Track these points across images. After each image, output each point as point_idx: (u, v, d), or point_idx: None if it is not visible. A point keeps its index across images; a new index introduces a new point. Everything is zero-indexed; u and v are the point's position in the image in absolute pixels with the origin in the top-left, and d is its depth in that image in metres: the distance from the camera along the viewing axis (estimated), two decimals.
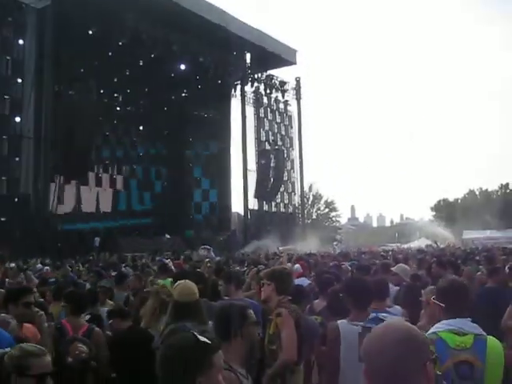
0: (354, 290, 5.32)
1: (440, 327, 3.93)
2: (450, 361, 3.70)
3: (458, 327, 3.86)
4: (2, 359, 3.07)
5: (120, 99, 42.64)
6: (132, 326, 6.03)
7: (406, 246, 41.69)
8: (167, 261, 14.26)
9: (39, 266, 15.67)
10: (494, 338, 3.84)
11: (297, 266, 11.73)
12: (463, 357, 3.72)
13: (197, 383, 2.36)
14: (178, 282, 5.51)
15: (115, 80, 38.44)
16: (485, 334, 3.86)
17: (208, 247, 24.59)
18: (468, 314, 3.97)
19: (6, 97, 30.57)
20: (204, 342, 2.41)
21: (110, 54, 34.96)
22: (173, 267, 12.16)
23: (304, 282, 9.15)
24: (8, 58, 30.66)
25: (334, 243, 37.84)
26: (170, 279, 10.10)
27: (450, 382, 3.60)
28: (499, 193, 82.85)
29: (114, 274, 11.23)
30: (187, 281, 5.53)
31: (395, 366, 1.97)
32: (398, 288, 8.08)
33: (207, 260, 13.66)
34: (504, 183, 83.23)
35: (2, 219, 29.29)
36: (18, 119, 30.77)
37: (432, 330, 3.94)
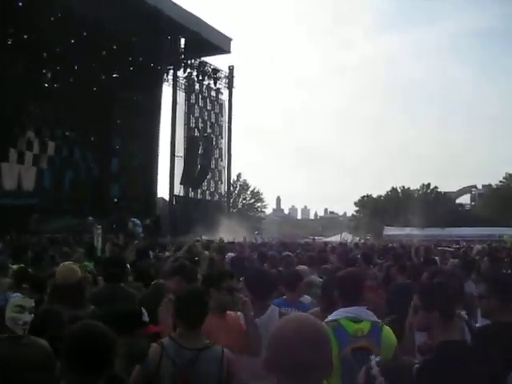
0: (254, 281, 5.44)
1: (338, 314, 4.11)
2: (349, 347, 3.90)
3: (355, 314, 4.06)
4: None
5: (48, 76, 41.53)
6: None
7: (328, 239, 42.35)
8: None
9: None
10: (388, 327, 4.10)
11: (230, 254, 11.86)
12: (361, 343, 3.92)
13: None
14: (61, 265, 5.48)
15: (44, 55, 37.37)
16: (380, 321, 4.10)
17: (136, 221, 24.16)
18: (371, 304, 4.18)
19: None
20: None
21: (40, 28, 34.02)
22: None
23: None
24: None
25: (256, 232, 38.06)
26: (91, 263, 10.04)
27: (350, 367, 3.76)
28: (420, 192, 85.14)
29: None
30: (70, 263, 5.51)
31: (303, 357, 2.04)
32: None
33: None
34: (426, 183, 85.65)
35: None
36: None
37: (331, 316, 4.11)
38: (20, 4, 30.84)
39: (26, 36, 34.01)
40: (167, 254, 12.88)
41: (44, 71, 40.49)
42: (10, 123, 33.28)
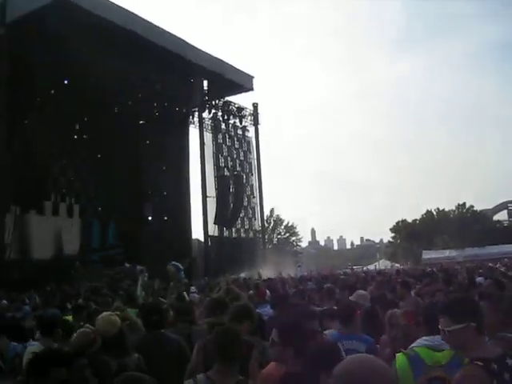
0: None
1: (418, 342, 4.06)
2: (423, 377, 3.80)
3: (436, 343, 3.97)
4: None
5: (77, 127, 42.32)
6: None
7: (365, 268, 41.99)
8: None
9: None
10: None
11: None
12: (436, 373, 3.82)
13: None
14: (102, 315, 5.52)
15: (72, 108, 38.09)
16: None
17: (178, 265, 24.03)
18: None
19: None
20: None
21: (65, 82, 34.76)
22: None
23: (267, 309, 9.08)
24: None
25: (298, 265, 37.65)
26: (135, 310, 10.05)
27: None
28: (456, 212, 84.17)
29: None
30: (109, 313, 5.56)
31: None
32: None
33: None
34: (461, 203, 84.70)
35: None
36: None
37: (412, 345, 4.06)
38: (46, 60, 31.50)
39: (52, 91, 34.77)
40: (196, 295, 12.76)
41: (72, 123, 41.27)
42: (43, 177, 33.82)
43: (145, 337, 6.38)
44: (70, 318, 8.72)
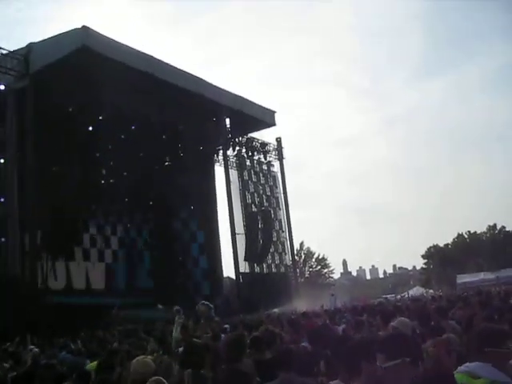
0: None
1: (459, 369, 4.01)
2: None
3: (473, 370, 3.91)
4: None
5: (104, 172, 42.82)
6: None
7: (399, 296, 41.43)
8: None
9: (31, 347, 15.19)
10: None
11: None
12: None
13: None
14: (136, 359, 5.48)
15: (97, 154, 38.57)
16: (504, 380, 3.88)
17: (209, 304, 23.94)
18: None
19: None
20: None
21: (90, 128, 35.26)
22: None
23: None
24: None
25: (331, 294, 37.05)
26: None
27: None
28: (488, 234, 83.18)
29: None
30: (143, 356, 5.52)
31: None
32: None
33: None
34: (491, 224, 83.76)
35: None
36: (1, 200, 30.74)
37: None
38: (70, 109, 32.11)
39: (77, 138, 35.30)
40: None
41: (99, 169, 41.76)
42: (73, 223, 34.13)
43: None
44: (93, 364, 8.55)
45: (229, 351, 6.35)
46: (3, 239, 30.44)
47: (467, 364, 4.07)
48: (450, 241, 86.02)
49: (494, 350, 3.92)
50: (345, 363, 4.21)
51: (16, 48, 31.66)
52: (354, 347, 4.17)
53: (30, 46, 31.56)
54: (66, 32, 30.86)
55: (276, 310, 34.61)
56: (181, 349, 8.04)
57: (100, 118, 33.20)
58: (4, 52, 31.02)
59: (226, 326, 15.87)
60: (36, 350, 14.64)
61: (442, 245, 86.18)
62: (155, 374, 5.42)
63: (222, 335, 12.92)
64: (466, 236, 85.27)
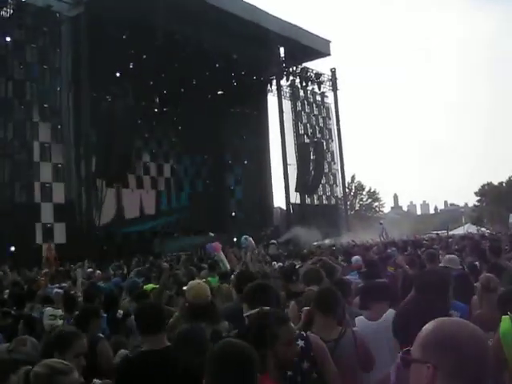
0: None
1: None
2: None
3: None
4: (28, 376, 3.02)
5: (157, 101, 42.98)
6: None
7: (451, 232, 40.98)
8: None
9: (90, 269, 15.63)
10: None
11: (356, 257, 11.51)
12: None
13: None
14: (191, 284, 5.53)
15: (151, 83, 38.59)
16: None
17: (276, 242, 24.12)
18: None
19: (45, 105, 30.93)
20: None
21: (144, 56, 35.17)
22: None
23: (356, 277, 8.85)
24: (45, 67, 30.98)
25: (380, 222, 36.57)
26: (217, 277, 10.13)
27: None
28: None
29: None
30: (201, 283, 5.56)
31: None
32: None
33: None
34: None
35: (48, 225, 29.82)
36: (58, 127, 31.21)
37: None
38: (124, 36, 32.01)
39: (131, 65, 35.34)
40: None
41: (152, 97, 41.91)
42: (127, 151, 34.53)
43: (235, 305, 6.35)
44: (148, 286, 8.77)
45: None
46: (60, 165, 31.04)
47: None
48: (504, 179, 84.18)
49: None
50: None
51: None
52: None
53: None
54: None
55: (327, 241, 34.80)
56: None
57: (154, 45, 32.96)
58: None
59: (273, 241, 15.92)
60: (98, 272, 15.15)
61: (496, 183, 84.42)
62: (211, 299, 5.49)
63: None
64: None
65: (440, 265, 8.14)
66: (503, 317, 3.95)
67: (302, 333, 4.03)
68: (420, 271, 7.17)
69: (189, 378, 3.55)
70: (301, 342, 3.88)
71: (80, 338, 3.91)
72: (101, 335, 5.49)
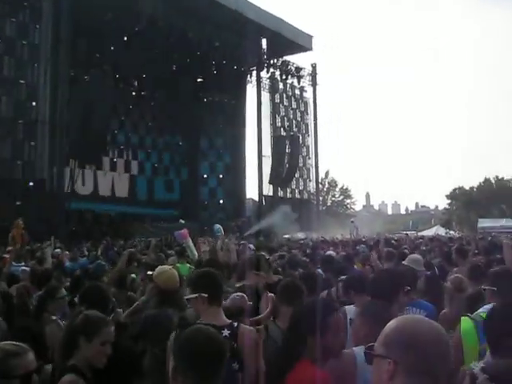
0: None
1: (485, 308, 4.05)
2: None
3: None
4: None
5: (136, 84, 42.76)
6: None
7: (420, 233, 41.40)
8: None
9: (57, 250, 15.43)
10: None
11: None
12: None
13: None
14: (162, 268, 5.54)
15: (131, 65, 38.33)
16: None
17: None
18: None
19: (21, 81, 30.47)
20: None
21: (125, 39, 34.92)
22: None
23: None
24: (24, 42, 30.50)
25: (351, 220, 36.72)
26: (188, 265, 10.13)
27: None
28: None
29: None
30: (171, 268, 5.57)
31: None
32: None
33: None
34: None
35: (18, 203, 29.44)
36: (33, 104, 30.82)
37: (480, 310, 4.06)
38: (106, 18, 31.72)
39: (112, 48, 35.02)
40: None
41: (131, 80, 41.67)
42: (102, 133, 34.28)
43: None
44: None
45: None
46: (32, 143, 30.66)
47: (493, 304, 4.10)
48: (476, 184, 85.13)
49: None
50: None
51: None
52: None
53: None
54: None
55: (299, 234, 34.94)
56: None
57: (136, 29, 32.71)
58: None
59: (251, 245, 16.00)
60: (66, 252, 15.00)
61: (467, 187, 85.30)
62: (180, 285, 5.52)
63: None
64: (494, 181, 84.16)
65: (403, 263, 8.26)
66: (462, 317, 4.06)
67: (234, 323, 3.99)
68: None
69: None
70: (226, 332, 3.84)
71: (108, 325, 3.72)
72: (53, 317, 5.45)
